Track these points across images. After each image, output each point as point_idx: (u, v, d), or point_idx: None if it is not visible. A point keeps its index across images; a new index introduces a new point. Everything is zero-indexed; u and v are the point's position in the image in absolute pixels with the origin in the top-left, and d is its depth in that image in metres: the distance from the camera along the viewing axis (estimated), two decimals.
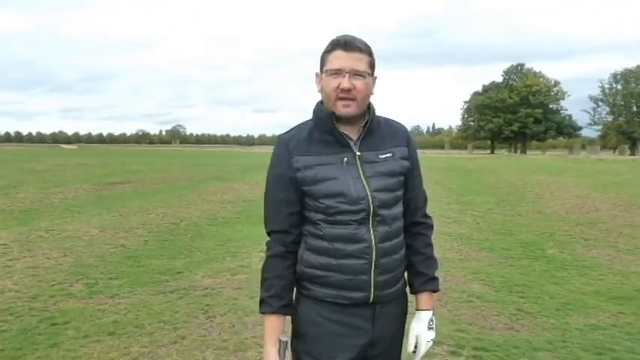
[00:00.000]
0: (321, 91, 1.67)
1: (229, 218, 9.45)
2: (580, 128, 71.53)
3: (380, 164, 1.66)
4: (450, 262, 6.16)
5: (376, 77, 1.68)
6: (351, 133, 1.67)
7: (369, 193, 1.62)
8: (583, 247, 7.20)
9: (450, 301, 4.69)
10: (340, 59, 1.59)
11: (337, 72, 1.59)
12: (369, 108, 1.68)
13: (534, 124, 66.49)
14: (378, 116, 1.73)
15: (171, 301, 4.68)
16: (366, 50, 1.63)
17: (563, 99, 70.32)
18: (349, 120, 1.64)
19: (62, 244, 7.05)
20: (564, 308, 4.56)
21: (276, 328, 1.67)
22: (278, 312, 1.67)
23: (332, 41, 1.64)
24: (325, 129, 1.65)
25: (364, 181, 1.63)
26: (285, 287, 1.68)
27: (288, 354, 1.67)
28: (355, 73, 1.59)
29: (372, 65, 1.65)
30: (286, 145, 1.67)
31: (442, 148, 75.61)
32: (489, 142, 73.87)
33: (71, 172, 19.95)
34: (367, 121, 1.67)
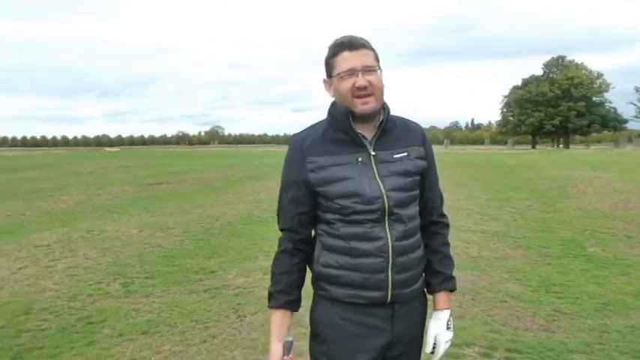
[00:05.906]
0: (335, 95, 1.67)
1: (264, 217, 9.53)
2: (626, 121, 68.64)
3: (395, 164, 1.65)
4: (486, 260, 6.04)
5: (382, 70, 1.66)
6: (367, 132, 1.65)
7: (384, 193, 1.60)
8: (626, 245, 6.93)
9: (483, 301, 4.60)
10: (349, 60, 1.59)
11: (350, 72, 1.58)
12: (384, 107, 1.66)
13: (577, 117, 64.33)
14: (393, 115, 1.71)
15: (204, 300, 4.76)
16: (369, 45, 1.64)
17: (607, 91, 67.61)
18: (366, 118, 1.63)
19: (101, 244, 7.26)
20: (603, 309, 4.40)
21: (281, 323, 1.69)
22: (284, 307, 1.69)
23: (333, 45, 1.64)
24: (340, 128, 1.64)
25: (379, 181, 1.61)
26: (292, 283, 1.70)
27: (293, 353, 1.68)
28: (368, 69, 1.59)
29: (377, 58, 1.65)
30: (300, 145, 1.67)
31: (482, 143, 74.34)
32: (530, 136, 72.04)
33: (113, 174, 20.50)
34: (382, 121, 1.65)
